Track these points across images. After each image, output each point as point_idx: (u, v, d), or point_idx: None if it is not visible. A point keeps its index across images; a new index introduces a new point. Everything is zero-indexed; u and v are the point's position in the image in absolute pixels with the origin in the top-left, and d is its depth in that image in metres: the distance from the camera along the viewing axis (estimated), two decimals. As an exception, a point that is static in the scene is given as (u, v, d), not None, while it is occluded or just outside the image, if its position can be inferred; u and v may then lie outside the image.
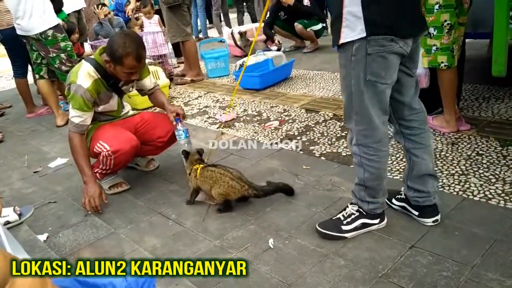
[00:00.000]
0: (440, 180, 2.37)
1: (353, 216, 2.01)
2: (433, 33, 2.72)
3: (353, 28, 1.67)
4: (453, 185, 2.32)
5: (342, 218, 2.03)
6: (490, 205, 2.11)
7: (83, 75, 2.48)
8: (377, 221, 2.02)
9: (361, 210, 2.00)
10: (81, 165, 2.53)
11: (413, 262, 1.80)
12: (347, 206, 2.07)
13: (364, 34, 1.65)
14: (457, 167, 2.50)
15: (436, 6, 2.65)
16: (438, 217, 2.02)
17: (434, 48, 2.74)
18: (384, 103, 1.79)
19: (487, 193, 2.21)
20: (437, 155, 2.65)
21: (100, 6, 6.41)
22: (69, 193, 2.88)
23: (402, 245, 1.91)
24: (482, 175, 2.38)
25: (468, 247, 1.84)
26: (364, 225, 2.01)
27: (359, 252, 1.91)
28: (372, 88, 1.74)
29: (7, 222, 2.50)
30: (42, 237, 2.38)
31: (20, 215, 2.58)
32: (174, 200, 2.60)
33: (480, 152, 2.62)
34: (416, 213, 2.05)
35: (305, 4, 6.13)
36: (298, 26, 6.03)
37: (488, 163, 2.48)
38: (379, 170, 1.88)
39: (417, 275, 1.73)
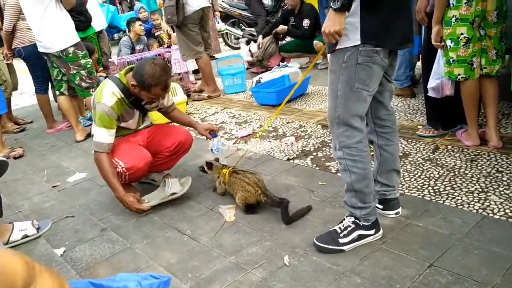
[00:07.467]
0: (459, 198, 2.34)
1: (349, 229, 2.05)
2: (450, 46, 2.72)
3: (350, 37, 1.84)
4: (472, 202, 2.28)
5: (339, 231, 2.06)
6: (511, 224, 2.06)
7: (107, 94, 2.62)
8: (372, 231, 2.06)
9: (357, 222, 2.04)
10: (113, 183, 2.62)
11: (431, 281, 1.76)
12: (344, 219, 2.10)
13: (359, 42, 1.83)
14: (477, 184, 2.46)
15: (453, 19, 2.65)
16: (400, 209, 2.25)
17: (451, 60, 2.74)
18: (363, 110, 1.95)
19: (507, 211, 2.16)
20: (456, 172, 2.61)
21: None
22: (86, 207, 2.91)
23: (420, 264, 1.87)
24: (502, 192, 2.33)
25: (488, 267, 1.79)
26: (361, 237, 2.04)
27: (376, 271, 1.87)
28: (357, 95, 1.91)
29: (25, 236, 2.53)
30: (59, 251, 2.40)
31: (38, 229, 2.61)
32: (189, 215, 2.60)
33: (500, 169, 2.57)
34: (381, 206, 2.24)
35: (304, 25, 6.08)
36: (318, 44, 5.94)
37: (508, 181, 2.43)
38: (364, 170, 1.97)
39: (436, 295, 1.69)
